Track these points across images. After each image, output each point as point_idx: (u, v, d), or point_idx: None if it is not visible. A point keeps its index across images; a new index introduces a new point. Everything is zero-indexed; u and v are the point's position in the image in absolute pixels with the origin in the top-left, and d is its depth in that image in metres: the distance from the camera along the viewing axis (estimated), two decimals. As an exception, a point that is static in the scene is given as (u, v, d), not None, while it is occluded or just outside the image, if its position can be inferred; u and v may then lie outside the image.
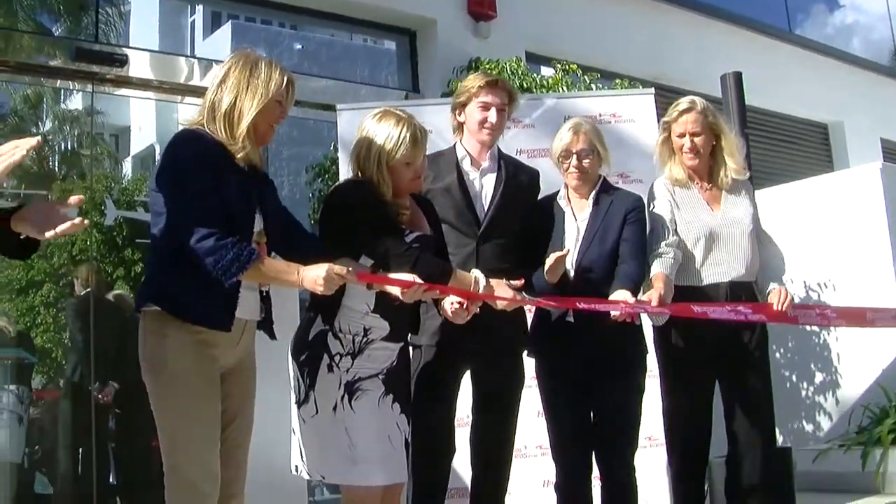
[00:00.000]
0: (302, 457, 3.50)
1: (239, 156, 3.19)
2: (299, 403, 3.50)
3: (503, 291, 3.67)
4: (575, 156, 4.11)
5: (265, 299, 3.37)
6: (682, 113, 4.29)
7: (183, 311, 3.10)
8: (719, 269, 4.22)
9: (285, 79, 3.27)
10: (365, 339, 3.50)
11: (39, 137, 2.73)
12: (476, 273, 3.64)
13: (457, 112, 4.24)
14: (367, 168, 3.59)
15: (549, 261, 3.85)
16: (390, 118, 3.63)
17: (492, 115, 4.13)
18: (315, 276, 3.11)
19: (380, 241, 3.48)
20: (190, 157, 3.12)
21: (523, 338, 4.19)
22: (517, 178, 4.20)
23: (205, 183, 3.08)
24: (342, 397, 3.43)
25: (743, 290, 4.20)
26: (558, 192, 4.25)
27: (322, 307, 3.49)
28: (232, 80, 3.23)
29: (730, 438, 4.35)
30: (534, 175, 4.30)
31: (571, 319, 4.02)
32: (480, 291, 3.59)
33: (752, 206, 4.35)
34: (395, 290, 3.31)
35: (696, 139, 4.26)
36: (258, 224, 3.25)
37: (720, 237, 4.23)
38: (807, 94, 11.89)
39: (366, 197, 3.53)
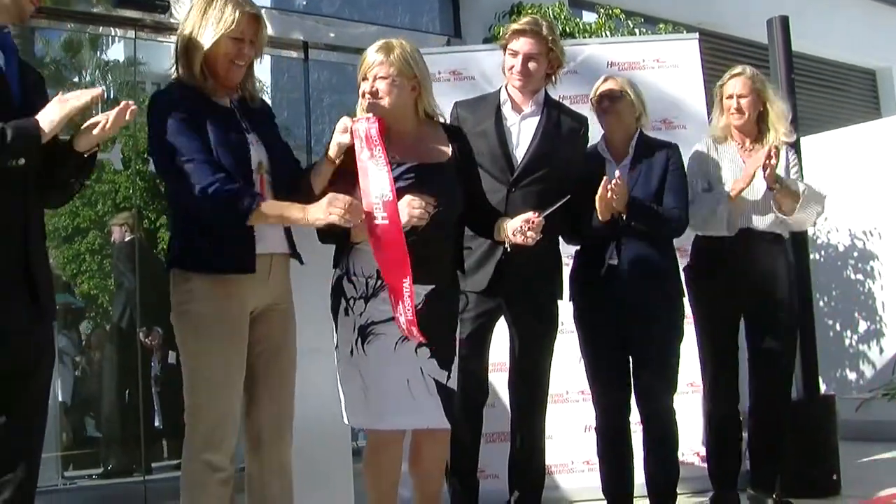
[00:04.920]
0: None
1: (207, 91, 3.19)
2: (335, 349, 3.52)
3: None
4: (605, 98, 4.20)
5: (288, 230, 3.35)
6: (732, 77, 4.59)
7: (205, 266, 3.14)
8: (744, 219, 4.47)
9: (237, 14, 3.15)
10: (379, 281, 3.40)
11: (102, 89, 2.80)
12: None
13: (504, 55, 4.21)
14: None
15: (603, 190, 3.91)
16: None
17: (517, 64, 4.07)
18: (317, 210, 3.08)
19: None
20: (161, 119, 3.11)
21: (557, 284, 4.20)
22: (560, 125, 4.14)
23: (184, 138, 3.07)
24: (356, 341, 3.41)
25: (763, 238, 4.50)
26: (598, 143, 4.33)
27: (336, 251, 3.49)
28: (190, 18, 3.21)
29: (751, 386, 4.61)
30: (581, 121, 4.23)
31: (615, 262, 4.09)
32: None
33: (786, 164, 4.60)
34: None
35: (742, 101, 4.53)
36: (258, 156, 3.24)
37: (750, 190, 4.44)
38: (855, 39, 11.68)
39: None
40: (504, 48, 4.15)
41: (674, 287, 4.20)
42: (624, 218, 4.03)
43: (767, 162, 4.29)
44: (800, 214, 4.43)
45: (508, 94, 4.17)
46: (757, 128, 4.62)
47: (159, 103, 3.18)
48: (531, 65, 4.07)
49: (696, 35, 5.72)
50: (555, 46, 4.11)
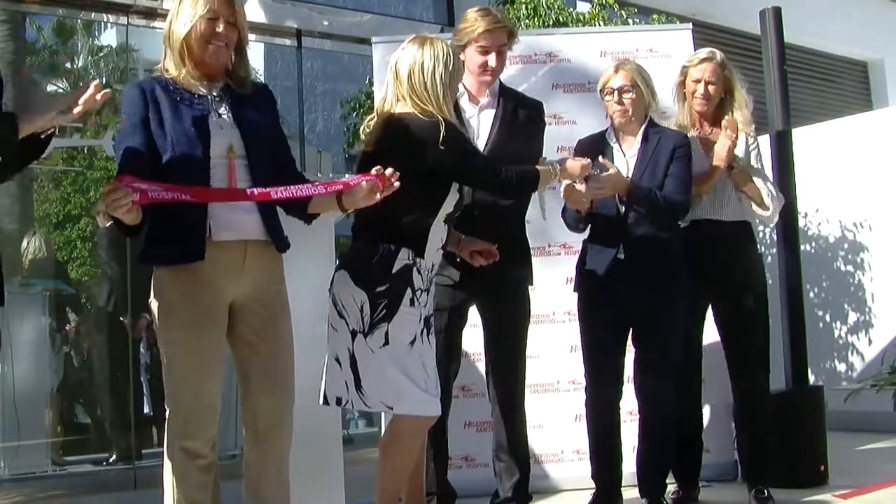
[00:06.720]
0: (359, 387, 3.41)
1: (185, 79, 3.19)
2: (363, 333, 3.38)
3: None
4: (616, 92, 4.15)
5: (269, 218, 3.27)
6: (701, 61, 4.52)
7: (165, 260, 3.17)
8: (704, 209, 4.44)
9: None
10: (433, 273, 3.56)
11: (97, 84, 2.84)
12: None
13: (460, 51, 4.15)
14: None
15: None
16: None
17: (491, 59, 4.06)
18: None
19: None
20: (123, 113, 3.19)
21: (526, 270, 4.17)
22: (516, 114, 4.12)
23: (128, 136, 3.14)
24: (422, 331, 3.44)
25: (728, 229, 4.47)
26: (605, 130, 4.30)
27: (410, 241, 3.43)
28: (171, 7, 3.26)
29: (731, 379, 4.62)
30: (537, 108, 4.21)
31: (622, 256, 4.09)
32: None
33: (745, 148, 4.55)
34: None
35: (710, 87, 4.49)
36: (228, 140, 3.19)
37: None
38: (847, 31, 11.71)
39: None
40: (462, 47, 4.06)
41: (680, 285, 4.15)
42: (622, 202, 4.03)
43: (728, 134, 4.29)
44: (764, 201, 4.43)
45: (465, 86, 4.15)
46: (715, 113, 4.56)
47: (123, 98, 3.22)
48: (501, 59, 4.10)
49: (690, 26, 5.71)
50: (514, 37, 4.14)
